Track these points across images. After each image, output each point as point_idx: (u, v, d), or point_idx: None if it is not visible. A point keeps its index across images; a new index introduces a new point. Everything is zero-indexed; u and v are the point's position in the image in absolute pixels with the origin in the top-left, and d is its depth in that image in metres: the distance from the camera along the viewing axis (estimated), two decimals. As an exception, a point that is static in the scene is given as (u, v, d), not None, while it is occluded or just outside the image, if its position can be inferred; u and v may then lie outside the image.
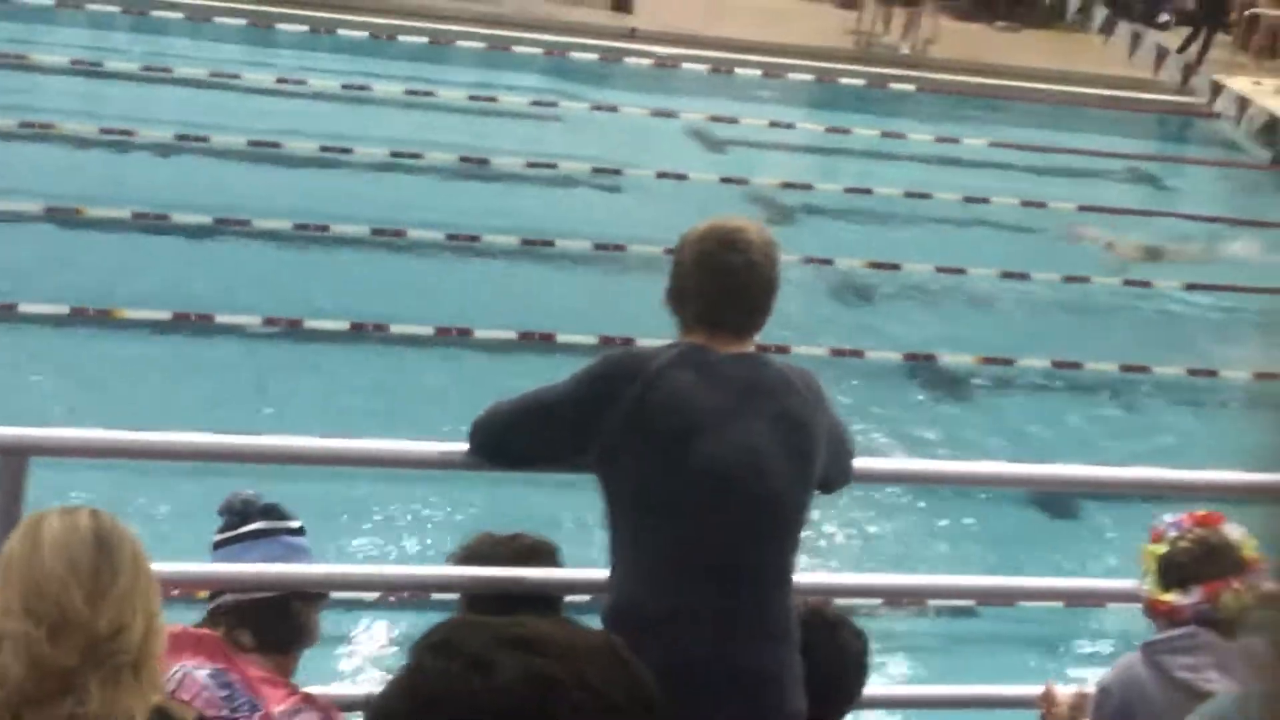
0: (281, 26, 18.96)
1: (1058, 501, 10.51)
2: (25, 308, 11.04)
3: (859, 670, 4.46)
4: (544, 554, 4.57)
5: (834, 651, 4.38)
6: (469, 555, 4.57)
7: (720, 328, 4.23)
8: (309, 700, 3.96)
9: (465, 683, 2.05)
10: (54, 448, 4.68)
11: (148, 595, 3.02)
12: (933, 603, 8.64)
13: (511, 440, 4.33)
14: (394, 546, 9.03)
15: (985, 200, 16.51)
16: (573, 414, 4.18)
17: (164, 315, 11.25)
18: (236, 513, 4.31)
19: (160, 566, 3.86)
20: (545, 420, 4.24)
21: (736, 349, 4.23)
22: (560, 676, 2.07)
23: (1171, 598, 4.22)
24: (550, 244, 13.64)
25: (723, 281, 4.20)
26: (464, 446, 4.41)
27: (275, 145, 14.93)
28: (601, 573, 4.29)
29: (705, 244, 4.24)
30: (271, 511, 4.35)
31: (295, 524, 4.37)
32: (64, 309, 11.09)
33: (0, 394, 9.87)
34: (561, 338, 11.74)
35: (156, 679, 3.04)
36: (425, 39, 19.49)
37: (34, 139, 14.44)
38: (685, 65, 20.33)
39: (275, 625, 4.11)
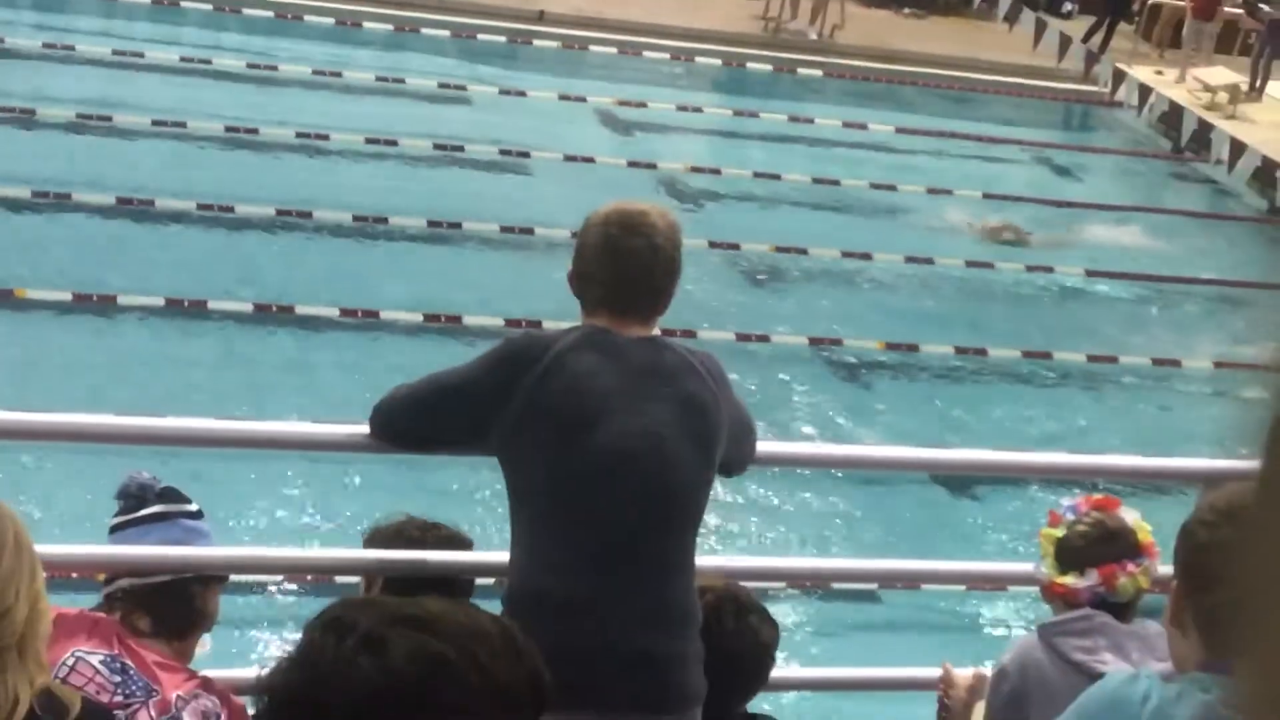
0: (186, 4, 18.80)
1: (958, 484, 10.61)
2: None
3: (765, 655, 4.47)
4: (460, 547, 4.56)
5: (739, 635, 4.40)
6: (381, 537, 4.56)
7: (623, 311, 4.24)
8: (207, 684, 3.94)
9: (355, 660, 2.06)
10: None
11: (31, 577, 2.99)
12: (835, 586, 8.70)
13: (412, 423, 4.32)
14: (302, 528, 8.99)
15: (891, 187, 16.62)
16: (473, 397, 4.17)
17: (65, 296, 11.14)
18: (133, 496, 4.28)
19: (56, 549, 3.83)
20: (446, 403, 4.24)
21: (639, 332, 4.24)
22: (450, 657, 2.09)
23: (1068, 580, 4.28)
24: (457, 226, 13.62)
25: (625, 265, 4.21)
26: (366, 429, 4.40)
27: (180, 124, 14.81)
28: (502, 556, 4.30)
29: (608, 227, 4.25)
30: (169, 495, 4.32)
31: (193, 507, 4.34)
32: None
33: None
34: (468, 320, 11.73)
35: (42, 661, 3.01)
36: (332, 20, 19.39)
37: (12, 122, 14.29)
38: (593, 48, 20.33)
39: (173, 609, 4.07)
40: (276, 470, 9.31)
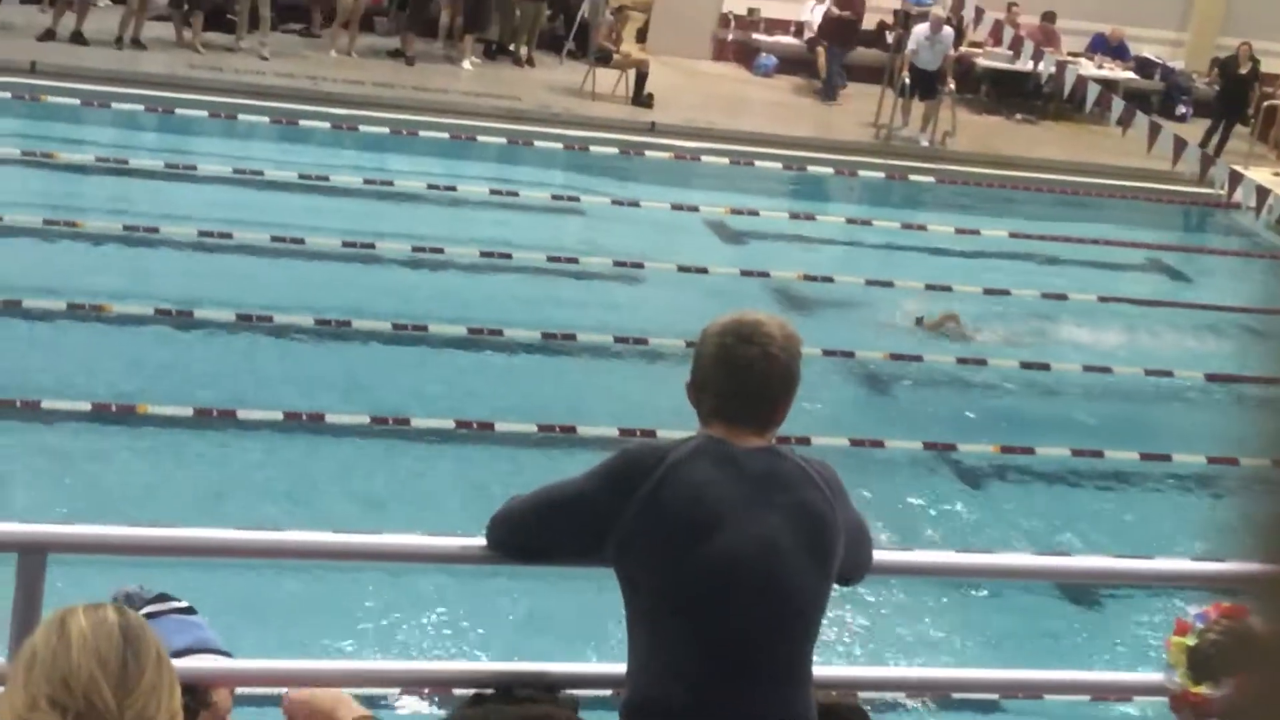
0: (305, 123, 19.12)
1: (1080, 589, 10.47)
2: (48, 404, 11.09)
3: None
4: None
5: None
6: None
7: (738, 421, 4.24)
8: None
9: None
10: (71, 544, 4.69)
11: (170, 692, 3.03)
12: (956, 695, 8.59)
13: (528, 535, 4.33)
14: (418, 639, 9.01)
15: (1005, 291, 16.54)
16: (589, 509, 4.18)
17: (186, 412, 11.28)
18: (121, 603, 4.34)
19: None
20: (562, 515, 4.24)
21: (755, 442, 4.24)
22: None
23: (1203, 690, 4.21)
24: (571, 337, 13.69)
25: (741, 375, 4.21)
26: (482, 541, 4.41)
27: (299, 240, 15.03)
28: (620, 667, 4.28)
29: (725, 338, 4.25)
30: (159, 599, 4.39)
31: (183, 604, 4.41)
32: (86, 406, 11.14)
33: (21, 490, 9.92)
34: (582, 431, 11.76)
35: (177, 771, 3.05)
36: (446, 134, 19.63)
37: (60, 236, 14.56)
38: (705, 159, 20.45)
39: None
40: (392, 583, 9.34)
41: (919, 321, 15.28)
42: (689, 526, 4.09)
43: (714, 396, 4.25)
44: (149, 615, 4.30)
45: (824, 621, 4.29)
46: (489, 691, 4.33)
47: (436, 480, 11.02)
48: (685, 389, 4.33)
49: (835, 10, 24.79)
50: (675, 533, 4.09)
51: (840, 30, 24.83)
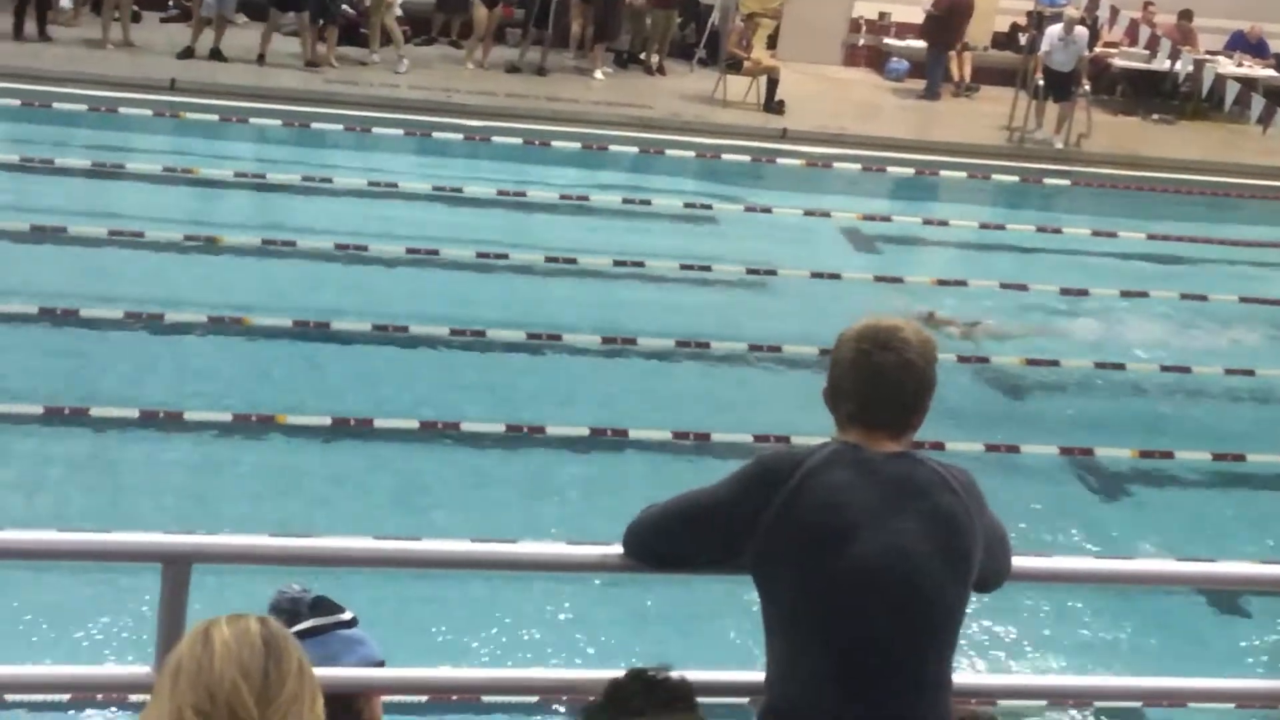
0: (439, 135, 19.28)
1: (1224, 595, 10.31)
2: (190, 415, 11.25)
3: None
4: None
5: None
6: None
7: (875, 427, 4.22)
8: None
9: None
10: (216, 555, 4.74)
11: (312, 703, 3.06)
12: (1098, 704, 8.49)
13: (665, 543, 4.33)
14: (552, 648, 9.04)
15: (1144, 294, 16.34)
16: (725, 517, 4.17)
17: (324, 421, 11.41)
18: (285, 611, 4.35)
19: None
20: (698, 523, 4.24)
21: (891, 448, 4.22)
22: None
23: None
24: (705, 345, 13.68)
25: (879, 381, 4.20)
26: (619, 549, 4.42)
27: (433, 252, 15.15)
28: (753, 674, 4.27)
29: (862, 343, 4.24)
30: (322, 606, 4.40)
31: (347, 616, 4.41)
32: (227, 417, 11.30)
33: (165, 501, 10.07)
34: (717, 438, 11.75)
35: (318, 782, 3.07)
36: (578, 144, 19.72)
37: (199, 250, 14.78)
38: (837, 165, 20.38)
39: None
40: (524, 592, 9.37)
41: (929, 316, 14.75)
42: (825, 534, 4.08)
43: (851, 402, 4.24)
44: (315, 631, 4.34)
45: (962, 629, 4.26)
46: (616, 698, 4.32)
47: (572, 487, 11.05)
48: (821, 395, 4.31)
49: (933, 10, 24.64)
50: (811, 540, 4.08)
51: (938, 29, 24.67)
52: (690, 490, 4.34)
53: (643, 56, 24.19)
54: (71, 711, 7.66)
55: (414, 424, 11.52)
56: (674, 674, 4.12)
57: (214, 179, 16.99)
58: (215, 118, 18.90)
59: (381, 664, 4.49)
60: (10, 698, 7.25)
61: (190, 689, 2.97)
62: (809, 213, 17.95)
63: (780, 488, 4.11)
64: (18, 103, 18.56)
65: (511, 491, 10.89)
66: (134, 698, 4.54)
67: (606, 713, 3.87)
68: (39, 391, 11.29)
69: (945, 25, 24.59)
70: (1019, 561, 4.58)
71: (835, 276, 15.66)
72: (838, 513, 4.09)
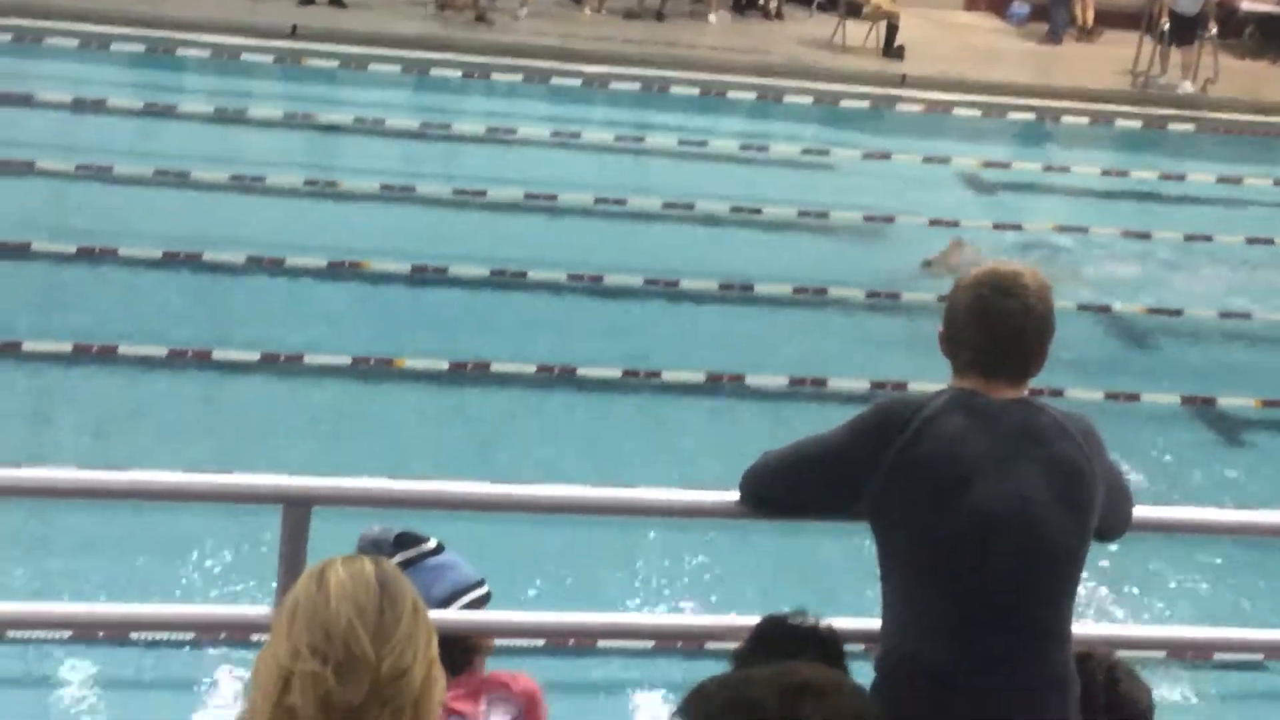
0: (556, 81, 19.29)
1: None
2: (310, 359, 11.35)
3: (1143, 722, 4.34)
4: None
5: (1118, 705, 4.29)
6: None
7: (994, 373, 4.19)
8: (489, 686, 4.08)
9: None
10: (336, 497, 4.79)
11: (428, 643, 3.09)
12: (1218, 656, 8.41)
13: (783, 489, 4.33)
14: (667, 595, 9.07)
15: (1269, 241, 16.08)
16: (843, 463, 4.16)
17: (441, 365, 11.48)
18: (369, 554, 4.40)
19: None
20: (816, 469, 4.23)
21: (1010, 395, 4.19)
22: None
23: None
24: (823, 291, 13.63)
25: (997, 327, 4.16)
26: (736, 496, 4.42)
27: (551, 198, 15.17)
28: (869, 622, 4.26)
29: (981, 289, 4.21)
30: (404, 541, 4.44)
31: (431, 544, 4.44)
32: (346, 360, 11.39)
33: (285, 444, 10.18)
34: (833, 384, 11.71)
35: (436, 717, 3.10)
36: (696, 90, 19.65)
37: (319, 196, 14.91)
38: (957, 110, 20.18)
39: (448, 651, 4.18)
40: (640, 538, 9.39)
41: (927, 264, 14.51)
42: (944, 481, 4.06)
43: (970, 349, 4.21)
44: (403, 564, 4.39)
45: (1082, 578, 4.22)
46: (766, 641, 4.33)
47: (687, 433, 11.06)
48: (938, 341, 4.28)
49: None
50: (930, 487, 4.06)
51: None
52: (808, 436, 4.33)
53: (761, 1, 24.05)
54: (194, 649, 7.77)
55: (531, 368, 11.57)
56: (819, 621, 4.13)
57: (333, 124, 17.10)
58: (335, 64, 19.00)
59: (481, 582, 4.52)
60: (137, 635, 7.41)
61: (306, 628, 3.01)
62: (928, 159, 17.80)
63: (899, 434, 4.10)
64: (141, 49, 18.75)
65: (631, 438, 10.91)
66: (255, 637, 4.60)
67: (759, 656, 3.87)
68: (163, 334, 11.44)
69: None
70: (1139, 511, 4.54)
71: (954, 224, 15.51)
72: (956, 460, 4.06)
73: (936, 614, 4.07)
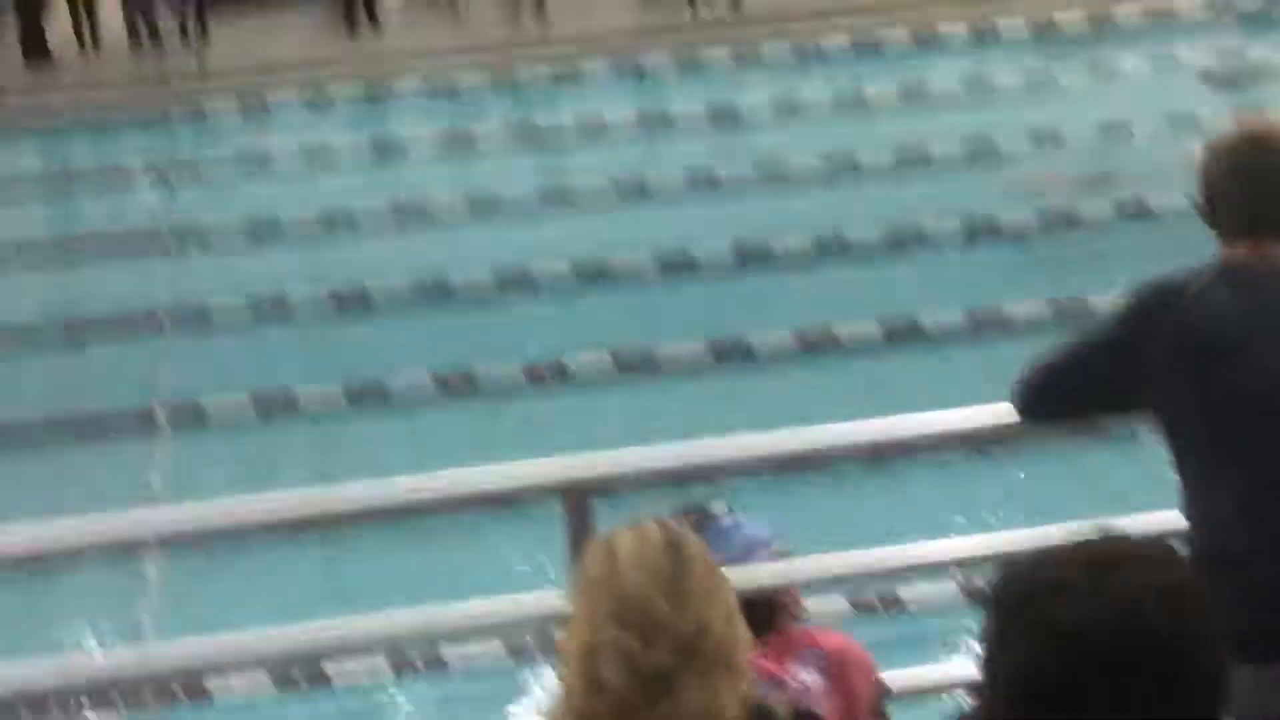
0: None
1: None
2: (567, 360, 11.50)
3: None
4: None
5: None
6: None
7: (1265, 233, 4.00)
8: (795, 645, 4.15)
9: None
10: (614, 482, 4.74)
11: (724, 593, 3.08)
12: None
13: (1060, 393, 4.19)
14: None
15: None
16: (1115, 355, 4.03)
17: (699, 347, 11.52)
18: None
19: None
20: (1089, 367, 4.10)
21: (1280, 251, 4.04)
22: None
23: None
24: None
25: (1264, 183, 3.99)
26: (1009, 409, 4.30)
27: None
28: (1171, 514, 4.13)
29: (1239, 150, 4.04)
30: (691, 508, 4.43)
31: (716, 508, 4.44)
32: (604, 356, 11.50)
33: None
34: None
35: (748, 673, 3.09)
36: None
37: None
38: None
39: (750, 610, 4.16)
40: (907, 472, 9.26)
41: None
42: (1215, 359, 3.91)
43: (1236, 212, 4.02)
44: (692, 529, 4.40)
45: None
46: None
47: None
48: (1198, 212, 4.12)
49: None
50: (1201, 367, 3.92)
51: None
52: (1074, 337, 4.22)
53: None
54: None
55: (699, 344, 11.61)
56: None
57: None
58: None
59: (768, 540, 4.49)
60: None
61: (603, 599, 3.02)
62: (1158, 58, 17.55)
63: (1167, 316, 3.97)
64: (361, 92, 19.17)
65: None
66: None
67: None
68: (423, 358, 11.68)
69: None
70: None
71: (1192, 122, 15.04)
72: (1231, 336, 3.92)
73: (1216, 499, 3.94)
